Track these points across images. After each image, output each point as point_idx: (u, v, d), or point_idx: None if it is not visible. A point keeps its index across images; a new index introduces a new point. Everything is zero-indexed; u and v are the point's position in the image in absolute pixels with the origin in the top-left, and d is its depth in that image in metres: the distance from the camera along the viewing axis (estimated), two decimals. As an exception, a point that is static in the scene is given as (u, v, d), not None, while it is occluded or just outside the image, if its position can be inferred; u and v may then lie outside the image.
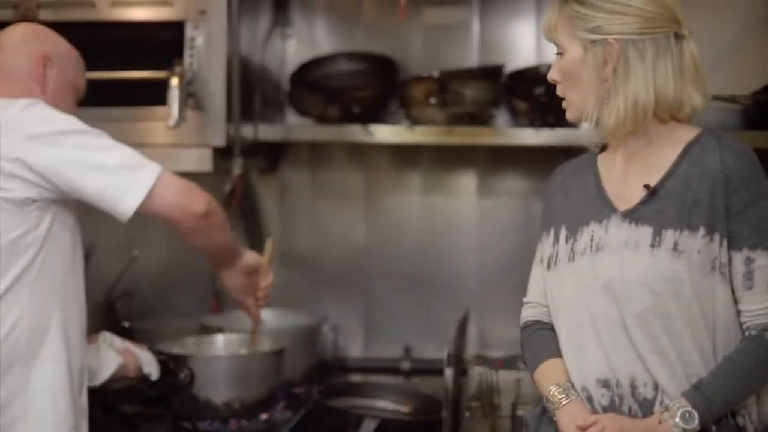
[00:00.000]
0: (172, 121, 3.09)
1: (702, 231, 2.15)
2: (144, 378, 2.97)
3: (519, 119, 3.56)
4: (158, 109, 3.15)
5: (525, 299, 2.46)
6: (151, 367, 2.93)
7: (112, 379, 2.83)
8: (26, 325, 2.39)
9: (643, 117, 2.21)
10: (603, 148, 2.38)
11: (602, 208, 2.27)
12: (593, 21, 2.21)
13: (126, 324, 3.56)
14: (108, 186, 2.38)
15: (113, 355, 2.83)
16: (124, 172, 2.38)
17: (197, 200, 2.46)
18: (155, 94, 3.13)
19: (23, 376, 2.39)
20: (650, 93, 2.19)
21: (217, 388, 3.02)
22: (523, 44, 3.79)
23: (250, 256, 2.79)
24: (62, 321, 2.45)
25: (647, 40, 2.19)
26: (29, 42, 2.58)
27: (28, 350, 2.39)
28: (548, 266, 2.34)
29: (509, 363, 3.43)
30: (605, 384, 2.21)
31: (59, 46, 2.62)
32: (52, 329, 2.43)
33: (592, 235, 2.25)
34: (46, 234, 2.41)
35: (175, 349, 3.10)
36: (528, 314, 2.44)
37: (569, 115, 2.32)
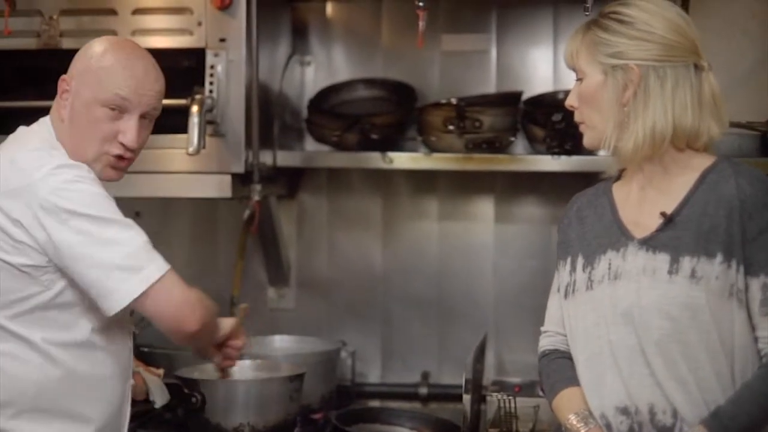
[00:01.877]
0: (191, 148, 3.11)
1: (719, 257, 2.16)
2: (150, 403, 2.98)
3: (536, 146, 3.57)
4: (178, 137, 3.17)
5: (542, 328, 2.47)
6: (157, 394, 2.94)
7: None
8: (33, 381, 2.32)
9: (661, 143, 2.23)
10: (618, 176, 2.39)
11: (619, 236, 2.28)
12: (615, 46, 2.24)
13: (145, 349, 3.57)
14: (95, 282, 2.25)
15: None
16: (116, 273, 2.24)
17: (191, 319, 2.32)
18: (175, 122, 3.15)
19: (29, 426, 2.33)
20: (668, 120, 2.21)
21: (227, 413, 3.01)
22: (540, 71, 3.80)
23: (224, 327, 2.59)
24: (88, 375, 2.38)
25: (668, 67, 2.22)
26: (70, 68, 2.46)
27: (35, 404, 2.33)
28: (565, 295, 2.35)
29: (527, 389, 3.43)
30: (624, 411, 2.22)
31: (79, 63, 2.44)
32: (71, 385, 2.36)
33: (609, 263, 2.26)
34: (58, 295, 2.32)
35: (195, 374, 3.11)
36: (545, 343, 2.45)
37: (586, 140, 2.34)
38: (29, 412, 2.33)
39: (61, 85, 2.44)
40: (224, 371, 2.86)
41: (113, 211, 2.30)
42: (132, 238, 2.29)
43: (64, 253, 2.25)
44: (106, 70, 2.40)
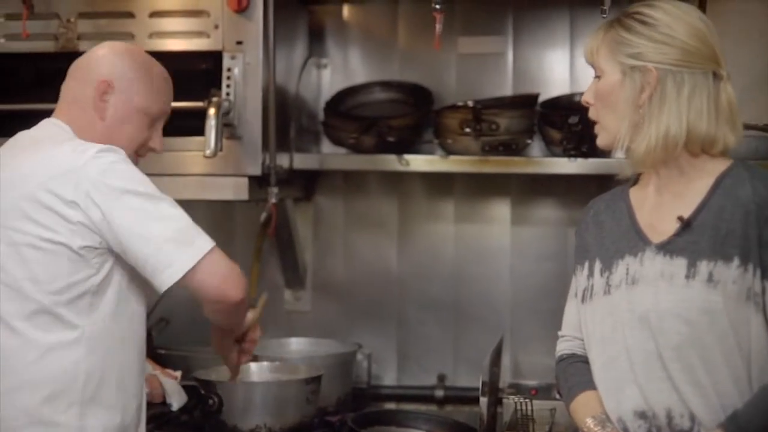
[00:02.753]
0: (209, 151, 3.11)
1: (736, 261, 2.15)
2: (167, 406, 2.98)
3: (553, 148, 3.57)
4: (195, 139, 3.18)
5: (560, 332, 2.47)
6: (174, 397, 2.93)
7: None
8: (83, 370, 2.37)
9: (673, 148, 2.23)
10: (635, 181, 2.39)
11: (636, 241, 2.28)
12: (636, 47, 2.24)
13: (162, 351, 3.59)
14: (150, 257, 2.33)
15: None
16: (169, 246, 2.33)
17: (236, 289, 2.40)
18: (192, 124, 3.16)
19: (79, 418, 2.37)
20: (682, 125, 2.21)
21: (244, 415, 3.02)
22: (556, 73, 3.80)
23: (247, 319, 2.69)
24: (120, 366, 2.44)
25: (685, 73, 2.21)
26: (98, 68, 2.53)
27: (83, 395, 2.37)
28: (583, 299, 2.35)
29: (543, 392, 3.42)
30: (642, 416, 2.21)
31: (128, 71, 2.53)
32: (108, 375, 2.41)
33: (627, 268, 2.26)
34: (104, 280, 2.39)
35: (213, 376, 3.11)
36: (563, 347, 2.45)
37: (600, 141, 2.34)
38: (79, 404, 2.37)
39: (102, 86, 2.50)
40: (236, 371, 2.85)
41: (158, 190, 2.40)
42: (181, 214, 2.39)
43: (120, 230, 2.33)
44: (159, 84, 2.58)
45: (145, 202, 2.35)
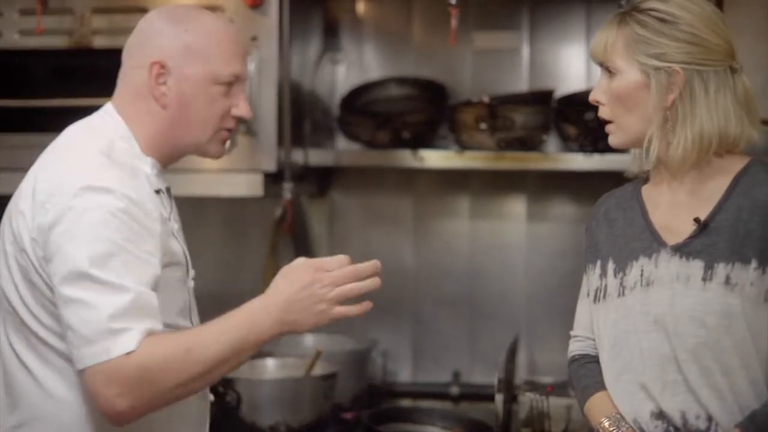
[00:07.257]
0: (224, 147, 3.10)
1: (754, 263, 2.12)
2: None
3: (569, 144, 3.56)
4: (210, 135, 3.18)
5: (572, 333, 2.44)
6: None
7: None
8: (89, 410, 2.11)
9: (707, 149, 2.17)
10: (647, 178, 2.33)
11: (651, 242, 2.24)
12: (659, 47, 2.17)
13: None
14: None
15: None
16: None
17: (120, 400, 1.98)
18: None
19: None
20: (714, 125, 2.16)
21: (263, 412, 3.02)
22: (573, 69, 3.79)
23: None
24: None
25: (710, 72, 2.16)
26: (143, 46, 2.23)
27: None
28: (595, 299, 2.31)
29: (559, 389, 3.41)
30: (659, 416, 2.19)
31: (178, 41, 2.20)
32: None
33: (641, 270, 2.22)
34: None
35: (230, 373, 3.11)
36: (575, 348, 2.41)
37: (615, 140, 2.26)
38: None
39: (154, 68, 2.19)
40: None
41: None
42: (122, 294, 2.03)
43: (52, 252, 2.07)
44: (213, 46, 2.23)
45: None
